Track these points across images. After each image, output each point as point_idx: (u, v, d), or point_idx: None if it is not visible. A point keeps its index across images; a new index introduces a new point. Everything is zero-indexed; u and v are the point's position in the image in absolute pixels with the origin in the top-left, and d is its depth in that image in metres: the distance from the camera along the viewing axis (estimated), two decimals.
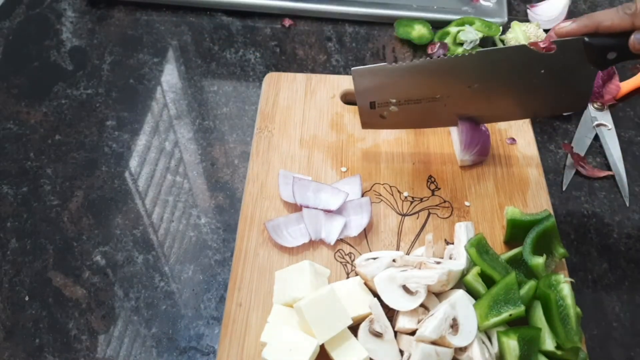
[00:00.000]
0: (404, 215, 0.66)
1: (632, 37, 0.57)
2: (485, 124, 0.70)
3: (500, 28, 0.87)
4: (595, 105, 0.80)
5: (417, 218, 0.66)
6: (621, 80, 0.83)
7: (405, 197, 0.68)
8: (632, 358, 0.61)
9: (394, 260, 0.58)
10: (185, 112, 0.79)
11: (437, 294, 0.56)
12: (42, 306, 0.62)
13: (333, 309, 0.53)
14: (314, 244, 0.63)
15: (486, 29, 0.86)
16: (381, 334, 0.54)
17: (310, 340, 0.52)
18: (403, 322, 0.54)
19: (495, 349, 0.53)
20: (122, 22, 0.90)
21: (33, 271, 0.64)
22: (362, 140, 0.73)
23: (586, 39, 0.60)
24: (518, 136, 0.74)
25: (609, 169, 0.75)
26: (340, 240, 0.64)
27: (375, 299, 0.56)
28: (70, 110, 0.79)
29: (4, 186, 0.71)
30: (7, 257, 0.65)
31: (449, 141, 0.73)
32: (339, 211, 0.65)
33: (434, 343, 0.52)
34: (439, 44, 0.85)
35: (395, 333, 0.55)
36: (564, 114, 0.74)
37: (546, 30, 0.88)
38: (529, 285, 0.56)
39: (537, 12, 0.92)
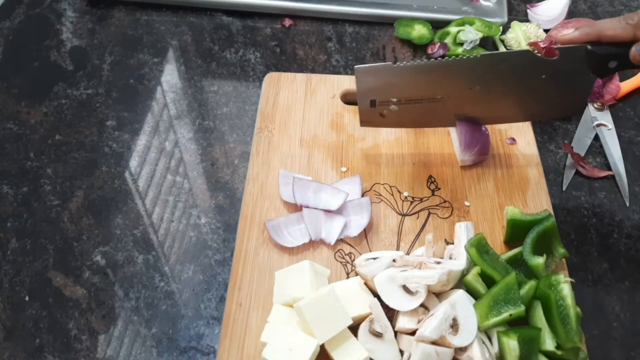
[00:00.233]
0: (404, 215, 0.66)
1: (634, 49, 0.58)
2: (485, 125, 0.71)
3: (500, 28, 0.87)
4: (595, 105, 0.80)
5: (417, 218, 0.66)
6: (621, 80, 0.83)
7: (405, 197, 0.68)
8: (632, 358, 0.61)
9: (394, 260, 0.58)
10: (186, 112, 0.79)
11: (437, 294, 0.56)
12: (42, 306, 0.62)
13: (333, 309, 0.53)
14: (314, 244, 0.63)
15: (486, 29, 0.86)
16: (381, 334, 0.54)
17: (310, 340, 0.52)
18: (403, 322, 0.54)
19: (495, 349, 0.53)
20: (122, 22, 0.90)
21: (33, 271, 0.64)
22: (362, 140, 0.73)
23: (589, 47, 0.60)
24: (518, 136, 0.74)
25: (609, 169, 0.75)
26: (340, 240, 0.64)
27: (375, 299, 0.56)
28: (70, 110, 0.79)
29: (4, 186, 0.71)
30: (7, 257, 0.65)
31: (449, 141, 0.73)
32: (339, 211, 0.65)
33: (434, 343, 0.52)
34: (439, 44, 0.85)
35: (395, 333, 0.55)
36: (561, 117, 0.75)
37: (546, 30, 0.88)
38: (529, 285, 0.56)
39: (537, 12, 0.92)
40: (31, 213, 0.69)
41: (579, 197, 0.73)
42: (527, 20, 0.91)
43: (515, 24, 0.88)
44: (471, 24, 0.86)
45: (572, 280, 0.56)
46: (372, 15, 0.90)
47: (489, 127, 0.72)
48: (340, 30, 0.91)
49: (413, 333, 0.53)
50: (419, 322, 0.54)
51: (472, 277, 0.56)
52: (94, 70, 0.83)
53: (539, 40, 0.85)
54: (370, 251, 0.63)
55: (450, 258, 0.60)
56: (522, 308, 0.53)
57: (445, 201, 0.68)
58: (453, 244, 0.63)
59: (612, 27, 0.58)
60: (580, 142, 0.77)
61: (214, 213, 0.69)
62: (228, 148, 0.75)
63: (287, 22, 0.91)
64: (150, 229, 0.68)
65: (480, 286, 0.56)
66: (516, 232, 0.62)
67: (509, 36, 0.87)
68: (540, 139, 0.77)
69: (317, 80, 0.78)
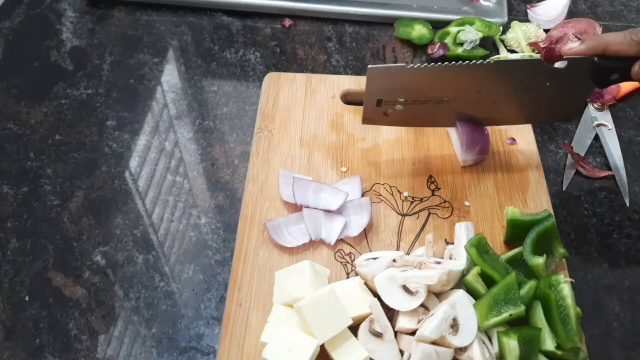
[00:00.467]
0: (404, 215, 0.66)
1: (637, 66, 0.59)
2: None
3: (500, 28, 0.87)
4: (595, 105, 0.80)
5: (417, 218, 0.66)
6: None
7: (406, 197, 0.68)
8: (632, 358, 0.61)
9: (394, 260, 0.58)
10: (186, 112, 0.79)
11: (437, 294, 0.56)
12: (42, 306, 0.62)
13: (333, 309, 0.53)
14: (314, 244, 0.63)
15: (486, 29, 0.86)
16: (381, 334, 0.54)
17: (310, 340, 0.52)
18: (403, 322, 0.54)
19: (495, 349, 0.53)
20: (122, 22, 0.90)
21: (33, 271, 0.64)
22: (362, 140, 0.73)
23: (595, 59, 0.61)
24: (518, 136, 0.74)
25: (609, 169, 0.75)
26: (340, 240, 0.64)
27: (375, 299, 0.56)
28: (70, 110, 0.79)
29: (4, 186, 0.71)
30: (7, 257, 0.65)
31: (449, 141, 0.73)
32: (339, 211, 0.65)
33: (434, 343, 0.52)
34: (439, 44, 0.85)
35: (395, 333, 0.55)
36: (558, 120, 0.76)
37: (546, 30, 0.88)
38: (529, 285, 0.56)
39: (537, 12, 0.92)
40: (31, 213, 0.69)
41: (579, 197, 0.73)
42: (527, 20, 0.91)
43: (515, 24, 0.88)
44: (471, 24, 0.86)
45: (572, 280, 0.56)
46: (372, 15, 0.90)
47: (489, 127, 0.72)
48: (340, 30, 0.91)
49: (413, 333, 0.53)
50: (419, 322, 0.54)
51: (472, 277, 0.56)
52: (94, 70, 0.83)
53: (539, 40, 0.85)
54: (370, 251, 0.63)
55: (450, 258, 0.60)
56: (522, 308, 0.53)
57: (445, 201, 0.68)
58: (453, 244, 0.63)
59: (617, 42, 0.60)
60: (580, 142, 0.77)
61: (214, 213, 0.69)
62: (228, 148, 0.75)
63: (287, 22, 0.91)
64: (150, 229, 0.68)
65: (480, 286, 0.56)
66: (516, 232, 0.62)
67: (509, 36, 0.87)
68: (540, 139, 0.77)
69: (317, 80, 0.78)
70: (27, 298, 0.62)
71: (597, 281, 0.66)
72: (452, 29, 0.86)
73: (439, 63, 0.63)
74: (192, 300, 0.63)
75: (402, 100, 0.66)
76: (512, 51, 0.87)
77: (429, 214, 0.67)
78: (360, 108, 0.76)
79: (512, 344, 0.51)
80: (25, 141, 0.75)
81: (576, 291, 0.56)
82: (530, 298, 0.56)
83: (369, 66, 0.63)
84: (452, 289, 0.56)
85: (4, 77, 0.82)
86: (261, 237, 0.63)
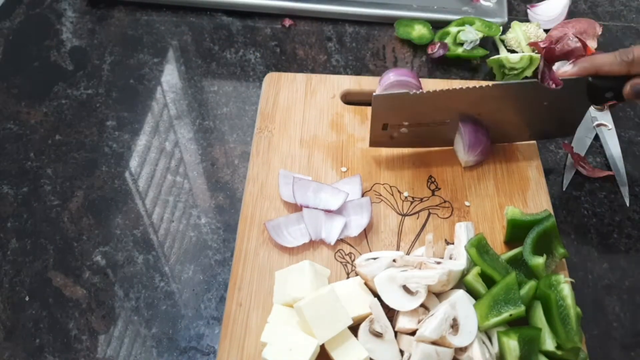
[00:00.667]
0: (404, 215, 0.66)
1: (628, 87, 0.62)
2: None
3: (501, 28, 0.87)
4: (597, 105, 0.80)
5: (417, 218, 0.66)
6: None
7: (406, 197, 0.68)
8: (632, 358, 0.61)
9: (394, 260, 0.58)
10: (186, 112, 0.79)
11: (437, 294, 0.56)
12: (42, 306, 0.62)
13: (333, 309, 0.53)
14: (314, 244, 0.63)
15: (486, 29, 0.86)
16: (381, 334, 0.54)
17: (310, 340, 0.52)
18: (403, 322, 0.54)
19: (495, 349, 0.53)
20: (122, 22, 0.90)
21: (33, 271, 0.64)
22: (362, 140, 0.73)
23: (590, 79, 0.64)
24: None
25: (609, 169, 0.75)
26: (340, 240, 0.64)
27: (375, 299, 0.56)
28: (70, 110, 0.79)
29: (4, 186, 0.71)
30: (7, 257, 0.65)
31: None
32: (339, 211, 0.65)
33: (434, 343, 0.52)
34: (439, 44, 0.85)
35: (395, 333, 0.55)
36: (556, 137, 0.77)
37: (546, 30, 0.88)
38: (529, 285, 0.56)
39: (537, 12, 0.92)
40: (31, 213, 0.69)
41: (579, 197, 0.73)
42: (527, 20, 0.91)
43: (515, 24, 0.88)
44: (471, 24, 0.86)
45: (572, 280, 0.56)
46: (372, 15, 0.90)
47: None
48: (340, 30, 0.91)
49: (413, 333, 0.53)
50: (419, 322, 0.54)
51: (472, 277, 0.56)
52: (94, 70, 0.83)
53: (539, 40, 0.85)
54: (370, 251, 0.63)
55: (450, 258, 0.60)
56: (522, 308, 0.53)
57: (445, 201, 0.68)
58: (453, 244, 0.63)
59: (608, 63, 0.63)
60: (580, 142, 0.77)
61: (214, 213, 0.69)
62: (228, 148, 0.75)
63: (287, 22, 0.91)
64: (150, 229, 0.68)
65: (480, 286, 0.56)
66: (516, 232, 0.62)
67: (509, 36, 0.87)
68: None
69: (317, 80, 0.78)
70: (27, 298, 0.62)
71: (597, 281, 0.66)
72: (452, 29, 0.86)
73: (441, 89, 0.65)
74: (192, 300, 0.63)
75: (406, 124, 0.68)
76: (512, 51, 0.87)
77: (429, 214, 0.67)
78: (360, 108, 0.76)
79: (512, 344, 0.51)
80: (25, 141, 0.75)
81: (576, 291, 0.56)
82: (530, 298, 0.56)
83: (374, 94, 0.65)
84: (452, 289, 0.56)
85: (4, 77, 0.82)
86: (261, 237, 0.63)
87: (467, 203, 0.68)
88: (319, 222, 0.64)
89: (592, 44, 0.84)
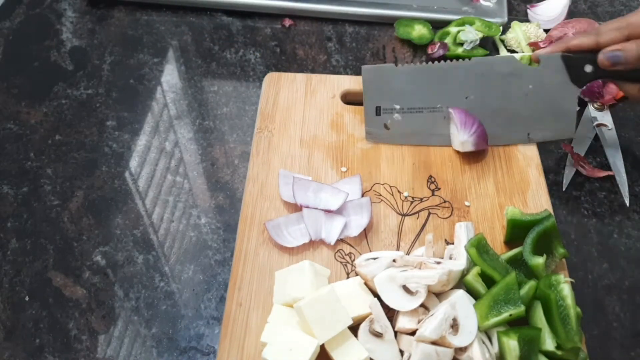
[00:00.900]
0: (404, 215, 0.66)
1: (600, 56, 0.64)
2: None
3: (500, 28, 0.87)
4: (595, 105, 0.80)
5: (417, 218, 0.66)
6: None
7: (405, 197, 0.68)
8: (632, 358, 0.61)
9: (394, 260, 0.58)
10: (186, 112, 0.79)
11: (437, 294, 0.56)
12: (42, 306, 0.62)
13: (333, 309, 0.53)
14: (314, 244, 0.63)
15: (486, 29, 0.86)
16: (381, 334, 0.54)
17: (310, 340, 0.52)
18: (403, 322, 0.54)
19: (495, 349, 0.53)
20: (122, 22, 0.90)
21: (33, 271, 0.64)
22: (362, 140, 0.73)
23: (563, 54, 0.67)
24: None
25: (609, 169, 0.75)
26: (340, 240, 0.64)
27: (375, 299, 0.56)
28: (70, 110, 0.79)
29: (4, 186, 0.71)
30: (7, 257, 0.65)
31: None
32: (339, 211, 0.65)
33: (434, 343, 0.52)
34: (439, 44, 0.85)
35: (395, 333, 0.55)
36: (556, 140, 0.76)
37: (546, 31, 0.88)
38: (529, 285, 0.56)
39: (537, 12, 0.92)
40: (31, 213, 0.69)
41: (579, 197, 0.73)
42: (527, 20, 0.91)
43: (515, 24, 0.88)
44: (471, 24, 0.86)
45: (572, 280, 0.56)
46: (372, 15, 0.90)
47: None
48: (340, 30, 0.91)
49: (413, 333, 0.53)
50: (419, 322, 0.54)
51: (472, 277, 0.56)
52: (94, 70, 0.83)
53: (539, 40, 0.85)
54: (370, 251, 0.63)
55: (450, 258, 0.60)
56: (522, 308, 0.53)
57: (445, 201, 0.68)
58: (453, 244, 0.63)
59: (577, 40, 0.66)
60: (580, 142, 0.77)
61: (214, 213, 0.69)
62: (228, 148, 0.75)
63: (287, 22, 0.91)
64: (150, 229, 0.68)
65: (480, 286, 0.56)
66: (516, 232, 0.62)
67: (509, 36, 0.87)
68: None
69: (317, 80, 0.78)
70: (27, 298, 0.62)
71: (597, 281, 0.66)
72: (452, 29, 0.86)
73: (424, 63, 0.68)
74: (192, 300, 0.63)
75: (398, 107, 0.69)
76: (512, 51, 0.87)
77: (429, 214, 0.67)
78: (360, 108, 0.76)
79: (512, 344, 0.51)
80: (25, 141, 0.75)
81: (576, 291, 0.56)
82: (530, 298, 0.56)
83: (363, 66, 0.68)
84: (452, 289, 0.56)
85: (4, 77, 0.82)
86: (261, 237, 0.63)
87: (467, 203, 0.68)
88: (319, 222, 0.64)
89: None
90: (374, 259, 0.58)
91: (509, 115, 0.71)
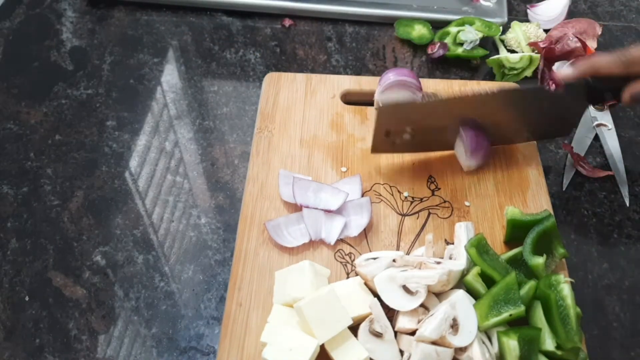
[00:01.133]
0: (404, 215, 0.66)
1: (627, 95, 0.63)
2: None
3: (500, 28, 0.87)
4: (596, 106, 0.80)
5: (417, 218, 0.66)
6: None
7: (405, 197, 0.68)
8: (632, 358, 0.61)
9: (394, 260, 0.58)
10: (185, 112, 0.79)
11: (437, 294, 0.56)
12: (42, 306, 0.62)
13: (333, 309, 0.53)
14: (314, 244, 0.63)
15: (486, 29, 0.86)
16: (381, 334, 0.54)
17: (310, 340, 0.52)
18: (403, 322, 0.54)
19: (495, 349, 0.53)
20: (122, 22, 0.90)
21: (33, 271, 0.64)
22: (362, 140, 0.73)
23: (589, 80, 0.65)
24: None
25: (609, 169, 0.75)
26: (340, 240, 0.64)
27: (375, 299, 0.56)
28: (70, 110, 0.79)
29: (4, 186, 0.71)
30: (7, 257, 0.65)
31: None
32: (339, 211, 0.65)
33: (434, 343, 0.52)
34: (439, 44, 0.85)
35: (395, 333, 0.55)
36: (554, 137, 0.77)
37: (546, 30, 0.88)
38: (529, 285, 0.56)
39: (537, 12, 0.92)
40: (31, 213, 0.69)
41: (579, 197, 0.73)
42: (527, 20, 0.91)
43: (515, 24, 0.88)
44: (471, 24, 0.86)
45: (572, 280, 0.56)
46: (372, 15, 0.90)
47: None
48: (340, 30, 0.91)
49: (413, 333, 0.53)
50: (419, 322, 0.54)
51: (472, 277, 0.56)
52: (94, 70, 0.83)
53: (539, 40, 0.85)
54: (370, 251, 0.63)
55: (450, 258, 0.60)
56: (522, 308, 0.53)
57: (445, 201, 0.68)
58: (453, 244, 0.63)
59: (606, 63, 0.63)
60: (580, 142, 0.77)
61: (214, 213, 0.69)
62: (228, 148, 0.75)
63: (287, 22, 0.91)
64: (150, 229, 0.68)
65: (480, 286, 0.56)
66: (516, 232, 0.62)
67: (509, 36, 0.87)
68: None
69: (317, 80, 0.78)
70: (27, 298, 0.62)
71: (597, 281, 0.66)
72: (452, 29, 0.86)
73: (446, 96, 0.66)
74: (192, 300, 0.63)
75: (409, 130, 0.68)
76: (512, 51, 0.87)
77: (429, 214, 0.67)
78: (360, 108, 0.76)
79: (512, 344, 0.51)
80: (25, 141, 0.75)
81: (576, 291, 0.56)
82: (530, 298, 0.56)
83: (379, 106, 0.65)
84: (452, 289, 0.56)
85: (4, 77, 0.82)
86: (261, 237, 0.63)
87: (467, 203, 0.68)
88: (319, 222, 0.64)
89: (592, 44, 0.84)
90: (374, 259, 0.58)
91: (516, 125, 0.70)
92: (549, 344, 0.53)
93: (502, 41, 0.88)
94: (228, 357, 0.55)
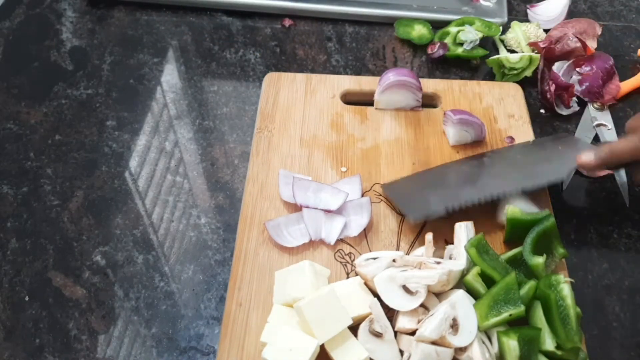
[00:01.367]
0: (404, 215, 0.66)
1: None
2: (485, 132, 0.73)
3: (500, 28, 0.87)
4: (595, 105, 0.80)
5: None
6: (621, 80, 0.83)
7: None
8: (632, 358, 0.61)
9: (394, 260, 0.58)
10: (185, 112, 0.79)
11: (437, 294, 0.56)
12: (42, 306, 0.62)
13: (333, 309, 0.53)
14: (314, 244, 0.63)
15: (486, 29, 0.86)
16: (381, 334, 0.54)
17: (310, 340, 0.52)
18: (403, 322, 0.54)
19: (495, 349, 0.53)
20: (122, 22, 0.90)
21: (33, 271, 0.64)
22: (362, 140, 0.73)
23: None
24: (518, 136, 0.74)
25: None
26: (340, 240, 0.64)
27: (375, 299, 0.56)
28: (70, 110, 0.79)
29: (4, 186, 0.71)
30: (7, 257, 0.65)
31: (448, 141, 0.73)
32: (339, 211, 0.65)
33: (434, 343, 0.52)
34: (439, 44, 0.85)
35: (395, 333, 0.55)
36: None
37: (546, 30, 0.88)
38: (529, 285, 0.56)
39: (537, 12, 0.92)
40: (31, 213, 0.69)
41: (579, 197, 0.73)
42: (527, 20, 0.91)
43: (515, 24, 0.88)
44: (471, 24, 0.86)
45: (572, 280, 0.56)
46: (372, 15, 0.90)
47: (488, 125, 0.72)
48: (340, 30, 0.91)
49: (413, 333, 0.53)
50: (419, 322, 0.54)
51: (472, 277, 0.56)
52: (94, 70, 0.83)
53: (539, 40, 0.85)
54: (370, 251, 0.63)
55: (450, 258, 0.60)
56: (522, 308, 0.53)
57: None
58: (453, 244, 0.63)
59: (629, 152, 0.61)
60: None
61: (214, 213, 0.69)
62: (228, 148, 0.75)
63: (287, 22, 0.91)
64: (150, 229, 0.68)
65: (480, 286, 0.56)
66: (516, 232, 0.62)
67: (509, 36, 0.87)
68: None
69: (317, 80, 0.78)
70: (27, 298, 0.62)
71: (597, 281, 0.66)
72: (452, 29, 0.86)
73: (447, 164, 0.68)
74: (192, 300, 0.63)
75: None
76: (512, 51, 0.87)
77: None
78: (360, 108, 0.76)
79: (512, 344, 0.51)
80: (25, 141, 0.75)
81: (576, 291, 0.56)
82: (530, 298, 0.56)
83: (382, 184, 0.68)
84: (452, 289, 0.56)
85: (4, 77, 0.82)
86: (261, 237, 0.63)
87: None
88: (319, 222, 0.64)
89: (592, 44, 0.84)
90: (374, 259, 0.58)
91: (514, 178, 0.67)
92: (549, 344, 0.53)
93: (502, 41, 0.88)
94: (228, 357, 0.55)
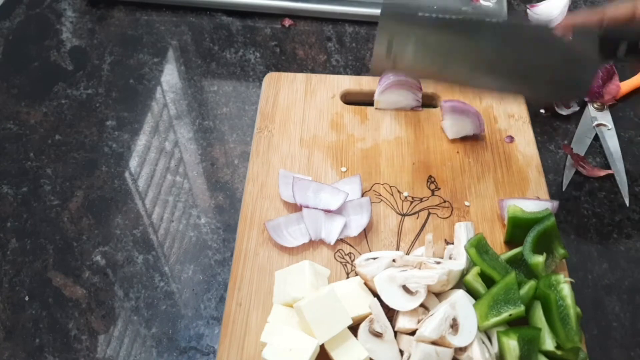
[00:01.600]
0: (404, 215, 0.66)
1: None
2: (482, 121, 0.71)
3: None
4: (595, 105, 0.80)
5: (417, 218, 0.66)
6: (621, 80, 0.83)
7: (405, 197, 0.68)
8: (632, 358, 0.61)
9: (394, 260, 0.58)
10: (185, 112, 0.79)
11: (437, 294, 0.56)
12: (42, 306, 0.62)
13: (333, 309, 0.53)
14: (314, 244, 0.63)
15: None
16: (381, 334, 0.54)
17: (310, 340, 0.52)
18: (403, 322, 0.54)
19: (495, 349, 0.53)
20: (122, 22, 0.90)
21: (33, 271, 0.64)
22: (362, 140, 0.73)
23: (602, 30, 0.60)
24: (518, 136, 0.74)
25: (609, 168, 0.75)
26: (340, 240, 0.64)
27: (375, 299, 0.56)
28: (70, 110, 0.79)
29: (4, 186, 0.71)
30: (7, 257, 0.65)
31: (448, 141, 0.73)
32: (339, 211, 0.65)
33: (434, 343, 0.52)
34: None
35: (395, 333, 0.55)
36: (561, 101, 0.73)
37: None
38: (529, 285, 0.56)
39: (537, 12, 0.92)
40: (31, 213, 0.69)
41: (579, 197, 0.73)
42: None
43: None
44: None
45: (572, 280, 0.56)
46: (372, 15, 0.90)
47: (487, 125, 0.72)
48: (340, 30, 0.91)
49: (413, 333, 0.53)
50: (419, 322, 0.54)
51: (472, 277, 0.56)
52: (94, 70, 0.83)
53: None
54: (370, 251, 0.63)
55: (450, 258, 0.60)
56: (522, 308, 0.53)
57: (445, 201, 0.68)
58: (453, 244, 0.63)
59: (623, 13, 0.59)
60: (580, 142, 0.77)
61: (214, 213, 0.69)
62: (228, 148, 0.75)
63: (287, 22, 0.91)
64: (150, 229, 0.68)
65: (480, 286, 0.56)
66: (517, 230, 0.62)
67: None
68: (540, 139, 0.77)
69: (317, 80, 0.78)
70: (27, 298, 0.62)
71: (597, 281, 0.66)
72: None
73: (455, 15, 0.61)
74: (192, 300, 0.63)
75: (412, 44, 0.63)
76: None
77: (429, 214, 0.67)
78: (360, 108, 0.76)
79: (512, 344, 0.51)
80: (25, 141, 0.75)
81: (576, 291, 0.56)
82: (530, 298, 0.56)
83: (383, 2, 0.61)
84: (452, 289, 0.56)
85: (4, 77, 0.82)
86: (261, 237, 0.63)
87: (467, 203, 0.68)
88: (319, 222, 0.64)
89: None
90: (374, 259, 0.58)
91: (522, 71, 0.64)
92: (548, 343, 0.53)
93: None
94: (228, 357, 0.55)
